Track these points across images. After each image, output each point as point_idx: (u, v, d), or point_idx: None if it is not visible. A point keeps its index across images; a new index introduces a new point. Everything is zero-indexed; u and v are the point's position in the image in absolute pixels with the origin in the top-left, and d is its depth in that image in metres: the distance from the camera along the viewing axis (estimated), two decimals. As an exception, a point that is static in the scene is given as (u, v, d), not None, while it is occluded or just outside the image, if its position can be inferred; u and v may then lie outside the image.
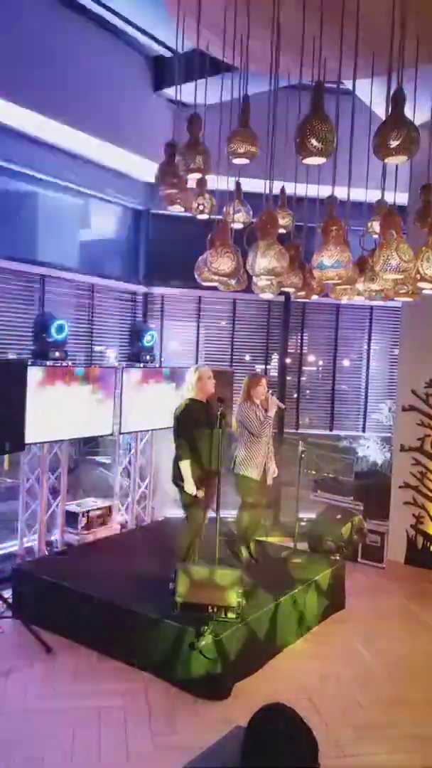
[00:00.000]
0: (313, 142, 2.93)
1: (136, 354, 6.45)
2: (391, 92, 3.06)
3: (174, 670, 3.97)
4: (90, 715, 3.59)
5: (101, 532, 5.99)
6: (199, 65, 4.16)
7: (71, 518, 5.84)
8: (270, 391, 5.41)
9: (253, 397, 5.20)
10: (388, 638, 4.83)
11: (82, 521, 5.85)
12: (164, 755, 3.26)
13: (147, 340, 6.44)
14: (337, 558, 5.63)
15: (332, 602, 5.19)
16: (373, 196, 4.33)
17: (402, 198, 5.38)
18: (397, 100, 2.97)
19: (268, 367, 7.45)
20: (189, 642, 3.87)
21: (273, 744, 1.59)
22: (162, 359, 7.14)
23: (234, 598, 4.07)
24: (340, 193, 3.81)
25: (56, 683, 3.92)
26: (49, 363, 5.29)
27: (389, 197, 4.02)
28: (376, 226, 4.26)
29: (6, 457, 6.90)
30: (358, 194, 4.31)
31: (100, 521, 6.03)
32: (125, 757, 3.24)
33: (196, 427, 4.65)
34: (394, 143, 2.87)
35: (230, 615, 4.06)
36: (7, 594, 4.74)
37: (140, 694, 3.85)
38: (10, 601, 4.68)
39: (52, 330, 5.40)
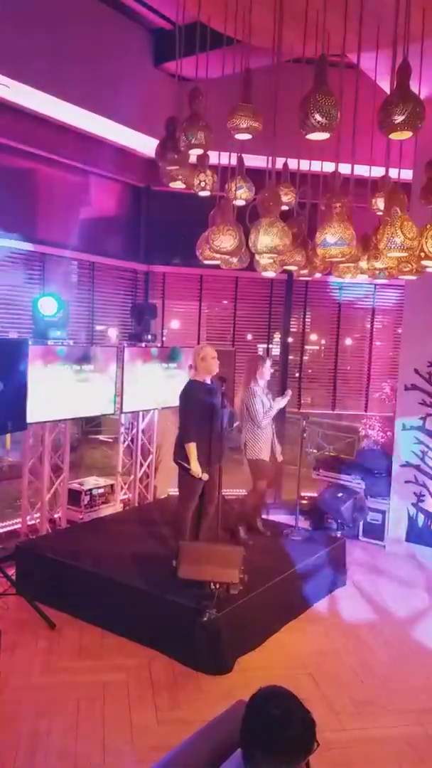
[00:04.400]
0: (317, 116, 2.88)
1: (137, 333, 6.42)
2: (396, 65, 3.00)
3: (177, 646, 4.02)
4: (94, 690, 3.64)
5: (104, 510, 6.03)
6: (200, 39, 4.08)
7: (74, 496, 5.87)
8: (273, 370, 5.41)
9: (258, 380, 5.21)
10: (387, 615, 4.88)
11: (85, 499, 5.89)
12: (167, 729, 3.31)
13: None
14: (338, 535, 5.67)
15: (333, 579, 5.24)
16: (377, 172, 4.27)
17: (407, 174, 5.32)
18: (402, 74, 2.92)
19: (271, 346, 7.42)
20: (191, 618, 3.92)
21: (266, 730, 1.62)
22: (163, 338, 7.12)
23: (236, 574, 4.10)
24: (344, 169, 3.76)
25: (60, 659, 3.97)
26: (50, 342, 5.28)
27: (393, 174, 3.97)
28: (380, 203, 4.21)
29: (8, 435, 6.93)
30: (362, 170, 4.26)
31: (102, 499, 6.07)
32: (129, 731, 3.29)
33: (200, 407, 4.65)
34: (399, 118, 2.82)
35: (232, 591, 4.10)
36: (11, 571, 4.78)
37: (143, 669, 3.90)
38: (14, 578, 4.73)
39: (53, 309, 5.36)
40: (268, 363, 5.33)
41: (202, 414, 4.63)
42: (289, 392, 5.42)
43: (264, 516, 5.78)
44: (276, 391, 7.02)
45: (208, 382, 4.76)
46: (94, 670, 3.86)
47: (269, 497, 6.48)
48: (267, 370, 5.26)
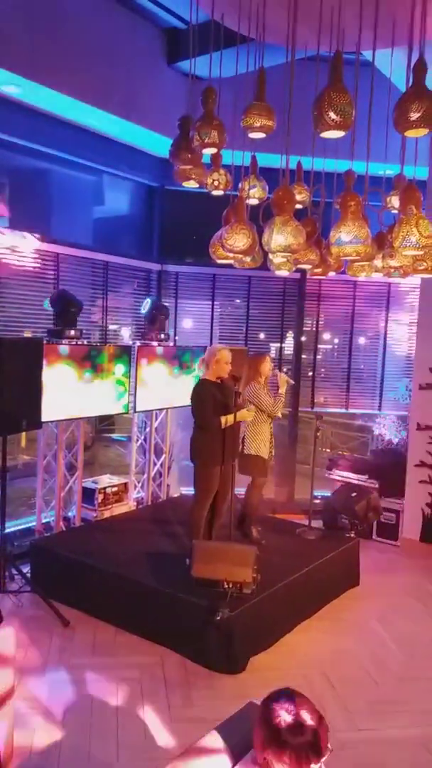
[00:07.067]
0: (332, 114, 2.86)
1: (150, 332, 6.42)
2: (412, 63, 2.98)
3: (190, 645, 4.02)
4: (107, 688, 3.66)
5: (117, 509, 6.05)
6: (214, 37, 4.07)
7: (88, 495, 5.90)
8: (285, 369, 5.41)
9: (258, 377, 5.24)
10: (401, 615, 4.85)
11: (99, 498, 5.91)
12: (180, 727, 3.31)
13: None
14: (352, 535, 5.65)
15: (346, 579, 5.22)
16: (392, 170, 4.25)
17: (422, 172, 5.28)
18: (418, 71, 2.90)
19: (283, 345, 7.41)
20: (205, 617, 3.92)
21: (278, 735, 1.62)
22: (176, 338, 7.13)
23: (249, 573, 4.10)
24: (359, 167, 3.74)
25: (74, 656, 3.99)
26: (64, 341, 5.30)
27: (409, 171, 3.95)
28: (395, 201, 4.19)
29: (23, 434, 6.97)
30: (376, 169, 4.24)
31: (116, 498, 6.09)
32: (142, 728, 3.30)
33: (213, 404, 4.66)
34: (414, 115, 2.80)
35: (245, 590, 4.10)
36: (26, 569, 4.82)
37: (157, 667, 3.91)
38: (29, 575, 4.76)
39: (67, 309, 5.39)
40: (268, 360, 5.35)
41: (215, 411, 4.64)
42: (283, 375, 5.39)
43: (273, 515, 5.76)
44: (287, 391, 7.01)
45: (219, 381, 4.77)
46: (108, 668, 3.88)
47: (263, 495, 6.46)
48: (267, 367, 5.29)
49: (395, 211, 4.05)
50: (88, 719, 3.36)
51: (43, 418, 4.84)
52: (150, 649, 4.12)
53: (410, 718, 3.52)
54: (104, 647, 4.13)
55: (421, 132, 2.88)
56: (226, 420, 4.61)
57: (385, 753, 3.21)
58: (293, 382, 5.74)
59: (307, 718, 1.64)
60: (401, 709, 3.60)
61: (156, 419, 6.65)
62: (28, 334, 5.71)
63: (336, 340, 7.66)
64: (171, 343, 6.70)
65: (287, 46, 3.58)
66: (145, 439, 6.65)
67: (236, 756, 1.84)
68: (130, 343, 6.48)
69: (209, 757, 1.89)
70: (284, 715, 1.64)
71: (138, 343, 6.19)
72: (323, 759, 1.65)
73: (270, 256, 4.06)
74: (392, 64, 4.39)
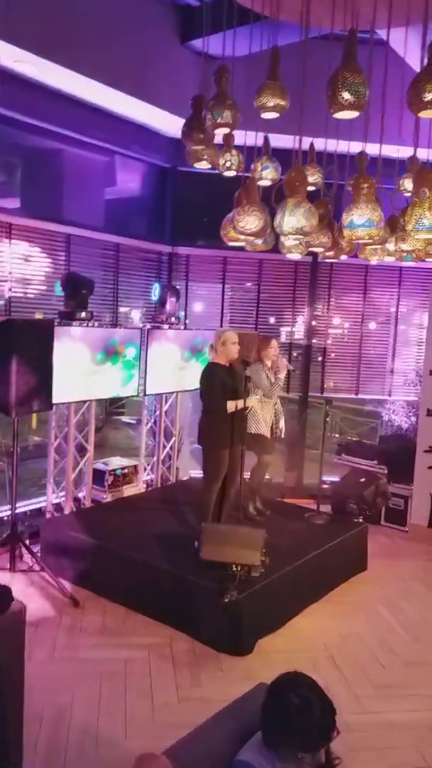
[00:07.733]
0: (345, 95, 2.82)
1: (160, 315, 6.41)
2: (427, 42, 2.92)
3: (198, 626, 4.06)
4: (116, 667, 3.70)
5: (127, 491, 6.09)
6: (227, 15, 4.01)
7: (98, 476, 5.94)
8: (296, 354, 5.42)
9: (263, 359, 5.26)
10: (409, 600, 4.87)
11: (109, 479, 5.95)
12: (188, 707, 3.36)
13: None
14: (360, 520, 5.65)
15: (354, 564, 5.23)
16: (405, 152, 4.19)
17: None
18: (433, 50, 2.84)
19: (294, 329, 7.37)
20: (213, 599, 3.95)
21: (286, 718, 1.63)
22: (186, 321, 7.11)
23: (257, 557, 4.12)
24: (372, 149, 3.69)
25: (83, 635, 4.04)
26: (75, 323, 5.30)
27: (422, 154, 3.89)
28: (408, 183, 4.13)
29: (34, 415, 7.02)
30: (390, 150, 4.18)
31: (126, 480, 6.13)
32: (150, 708, 3.35)
33: (222, 388, 4.66)
34: (429, 96, 2.75)
35: (254, 573, 4.12)
36: (36, 548, 4.87)
37: (165, 648, 3.95)
38: (39, 555, 4.81)
39: (78, 290, 5.38)
40: (274, 343, 5.36)
41: (223, 395, 4.64)
42: (284, 360, 5.43)
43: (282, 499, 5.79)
44: (297, 375, 7.02)
45: (228, 365, 4.76)
46: (117, 648, 3.92)
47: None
48: (272, 351, 5.30)
49: (408, 194, 4.01)
50: (97, 697, 3.41)
51: (54, 400, 4.86)
52: (159, 629, 4.16)
53: (417, 702, 3.54)
54: (113, 627, 4.17)
55: (437, 113, 2.83)
56: (235, 405, 4.61)
57: (391, 736, 3.23)
58: (292, 368, 5.83)
59: (315, 700, 1.66)
60: (408, 693, 3.63)
61: (166, 402, 6.66)
62: (39, 316, 5.72)
63: (347, 325, 7.61)
64: (181, 327, 6.68)
65: (301, 24, 3.52)
66: (155, 422, 6.67)
67: (243, 737, 1.86)
68: (141, 325, 6.48)
69: (217, 737, 1.91)
70: (292, 698, 1.65)
71: (148, 326, 6.18)
72: (331, 741, 1.66)
73: (282, 238, 4.03)
74: (407, 44, 4.30)
